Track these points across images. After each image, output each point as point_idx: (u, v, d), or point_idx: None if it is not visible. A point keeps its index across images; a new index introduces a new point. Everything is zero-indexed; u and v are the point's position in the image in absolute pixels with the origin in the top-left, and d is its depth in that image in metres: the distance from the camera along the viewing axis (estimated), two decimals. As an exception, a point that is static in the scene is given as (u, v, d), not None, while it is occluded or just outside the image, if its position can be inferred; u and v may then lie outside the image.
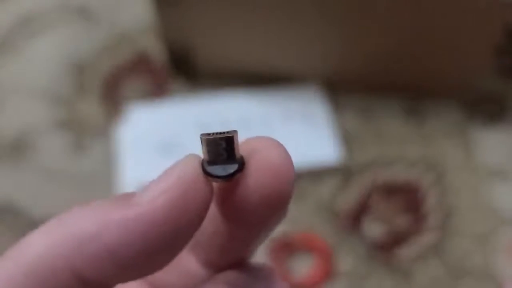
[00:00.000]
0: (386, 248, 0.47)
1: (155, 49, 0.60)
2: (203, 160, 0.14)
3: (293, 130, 0.52)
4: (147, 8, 0.50)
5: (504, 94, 0.56)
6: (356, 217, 0.49)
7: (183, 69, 0.57)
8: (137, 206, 0.13)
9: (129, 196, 0.14)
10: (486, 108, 0.56)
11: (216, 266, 0.18)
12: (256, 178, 0.14)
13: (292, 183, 0.15)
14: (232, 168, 0.14)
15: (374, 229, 0.48)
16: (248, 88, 0.56)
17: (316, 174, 0.51)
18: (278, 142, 0.15)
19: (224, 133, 0.14)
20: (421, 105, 0.56)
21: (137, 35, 0.62)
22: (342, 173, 0.51)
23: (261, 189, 0.14)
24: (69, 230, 0.13)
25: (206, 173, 0.14)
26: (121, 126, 0.53)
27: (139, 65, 0.60)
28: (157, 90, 0.57)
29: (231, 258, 0.18)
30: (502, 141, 0.53)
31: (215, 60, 0.56)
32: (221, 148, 0.14)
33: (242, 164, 0.14)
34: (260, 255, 0.46)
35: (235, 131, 0.14)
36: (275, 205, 0.14)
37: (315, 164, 0.50)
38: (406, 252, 0.47)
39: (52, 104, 0.57)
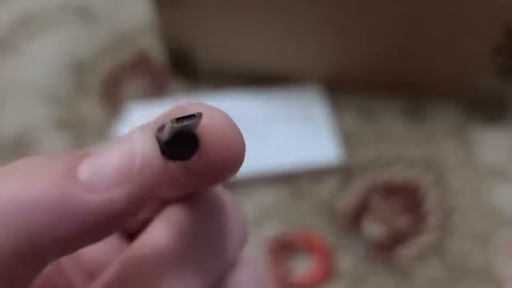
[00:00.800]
0: (386, 248, 0.48)
1: (155, 49, 0.61)
2: (158, 139, 0.14)
3: (293, 130, 0.52)
4: (147, 8, 0.51)
5: (504, 94, 0.56)
6: (356, 217, 0.49)
7: (183, 69, 0.57)
8: (92, 193, 0.12)
9: (80, 166, 0.13)
10: (485, 108, 0.56)
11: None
12: (211, 156, 0.14)
13: (243, 154, 0.15)
14: (190, 149, 0.14)
15: (374, 229, 0.48)
16: (248, 88, 0.56)
17: (316, 174, 0.51)
18: (224, 114, 0.14)
19: (193, 117, 0.14)
20: (421, 105, 0.56)
21: (137, 35, 0.62)
22: (342, 173, 0.51)
23: (215, 162, 0.14)
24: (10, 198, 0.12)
25: (167, 157, 0.14)
26: (121, 126, 0.53)
27: (139, 65, 0.60)
28: (157, 90, 0.58)
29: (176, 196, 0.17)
30: (502, 141, 0.54)
31: (215, 61, 0.56)
32: (184, 131, 0.14)
33: (197, 142, 0.14)
34: (261, 255, 0.46)
35: (201, 115, 0.14)
36: (226, 173, 0.15)
37: (315, 164, 0.51)
38: (406, 252, 0.47)
39: (52, 103, 0.57)
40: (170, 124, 0.14)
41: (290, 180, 0.50)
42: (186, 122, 0.14)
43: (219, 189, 0.17)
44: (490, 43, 0.49)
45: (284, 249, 0.46)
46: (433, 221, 0.49)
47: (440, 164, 0.52)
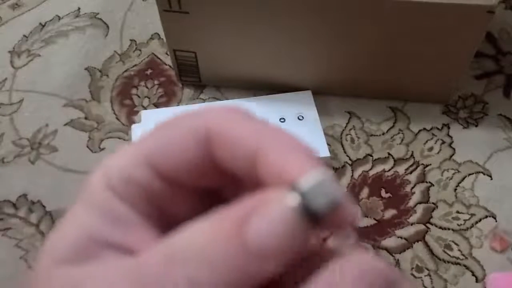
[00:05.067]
0: (373, 240, 0.50)
1: (165, 57, 0.63)
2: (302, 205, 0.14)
3: (288, 130, 0.54)
4: (157, 18, 0.53)
5: (484, 96, 0.59)
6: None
7: (189, 76, 0.59)
8: (260, 261, 0.14)
9: (248, 229, 0.14)
10: (467, 109, 0.58)
11: None
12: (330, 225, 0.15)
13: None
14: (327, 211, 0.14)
15: (362, 222, 0.51)
16: (248, 95, 0.59)
17: None
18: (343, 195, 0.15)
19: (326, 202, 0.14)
20: (406, 107, 0.58)
21: (147, 43, 0.65)
22: (333, 169, 0.54)
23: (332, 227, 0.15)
24: None
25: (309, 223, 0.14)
26: (134, 128, 0.55)
27: (150, 71, 0.62)
28: (167, 95, 0.60)
29: None
30: (482, 140, 0.56)
31: (219, 71, 0.58)
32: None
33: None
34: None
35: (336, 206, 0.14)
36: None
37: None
38: (392, 243, 0.50)
39: (69, 106, 0.59)
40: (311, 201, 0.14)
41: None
42: (324, 204, 0.14)
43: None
44: (471, 48, 0.51)
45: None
46: (417, 215, 0.51)
47: (424, 162, 0.55)
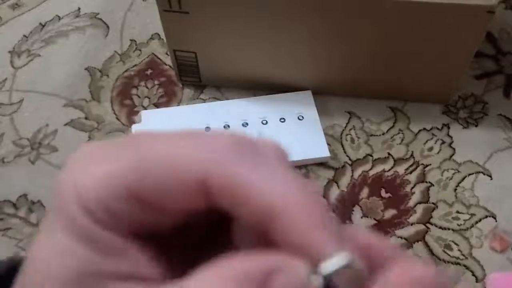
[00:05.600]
0: None
1: (165, 57, 0.63)
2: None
3: (288, 130, 0.55)
4: (157, 18, 0.53)
5: (484, 96, 0.59)
6: (345, 211, 0.52)
7: (190, 77, 0.60)
8: None
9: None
10: (467, 109, 0.58)
11: None
12: None
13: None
14: None
15: (362, 221, 0.51)
16: (248, 95, 0.59)
17: (308, 170, 0.54)
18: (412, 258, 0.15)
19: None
20: (406, 107, 0.58)
21: (148, 43, 0.65)
22: (333, 169, 0.54)
23: None
24: None
25: None
26: (135, 128, 0.55)
27: (150, 70, 0.62)
28: (167, 95, 0.60)
29: None
30: (482, 140, 0.56)
31: (220, 71, 0.58)
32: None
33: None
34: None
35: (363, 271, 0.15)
36: None
37: (307, 160, 0.54)
38: (392, 242, 0.50)
39: (69, 106, 0.59)
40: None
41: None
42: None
43: None
44: (471, 48, 0.52)
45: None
46: (418, 215, 0.51)
47: (425, 162, 0.55)
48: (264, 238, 0.15)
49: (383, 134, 0.57)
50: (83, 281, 0.14)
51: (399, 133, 0.57)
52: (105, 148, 0.16)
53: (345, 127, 0.57)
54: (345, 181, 0.54)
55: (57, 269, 0.14)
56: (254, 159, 0.15)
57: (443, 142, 0.56)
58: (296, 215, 0.15)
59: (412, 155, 0.55)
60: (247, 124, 0.55)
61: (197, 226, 0.18)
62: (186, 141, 0.16)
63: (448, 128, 0.57)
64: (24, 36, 0.66)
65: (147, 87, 0.61)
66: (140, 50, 0.64)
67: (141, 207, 0.15)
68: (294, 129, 0.55)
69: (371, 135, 0.57)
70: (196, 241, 0.18)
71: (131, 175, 0.15)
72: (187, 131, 0.16)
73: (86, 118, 0.59)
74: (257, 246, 0.16)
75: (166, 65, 0.63)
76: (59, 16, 0.68)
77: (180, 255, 0.17)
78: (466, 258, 0.49)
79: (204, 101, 0.59)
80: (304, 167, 0.54)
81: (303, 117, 0.56)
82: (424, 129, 0.57)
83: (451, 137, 0.56)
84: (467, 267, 0.49)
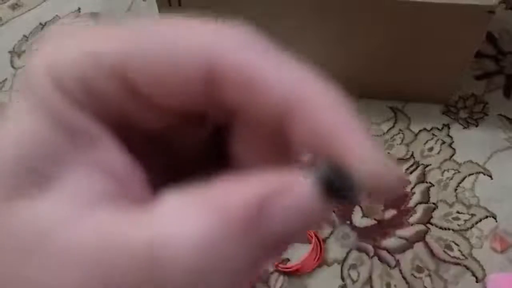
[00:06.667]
0: (374, 239, 0.50)
1: None
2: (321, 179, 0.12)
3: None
4: (156, 13, 0.53)
5: (484, 96, 0.59)
6: (346, 210, 0.52)
7: None
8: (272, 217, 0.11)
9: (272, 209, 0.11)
10: (467, 109, 0.58)
11: None
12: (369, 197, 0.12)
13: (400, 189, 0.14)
14: (355, 195, 0.12)
15: (363, 221, 0.51)
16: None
17: None
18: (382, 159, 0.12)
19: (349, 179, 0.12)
20: (406, 107, 0.58)
21: None
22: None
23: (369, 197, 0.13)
24: None
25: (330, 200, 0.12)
26: None
27: None
28: None
29: None
30: (482, 140, 0.56)
31: None
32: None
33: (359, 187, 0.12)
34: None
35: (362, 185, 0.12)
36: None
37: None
38: (392, 243, 0.50)
39: None
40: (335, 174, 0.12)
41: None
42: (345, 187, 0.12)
43: None
44: (471, 49, 0.52)
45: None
46: (418, 215, 0.51)
47: (424, 162, 0.55)
48: (271, 149, 0.13)
49: (383, 134, 0.57)
50: (46, 168, 0.12)
51: (399, 133, 0.57)
52: (88, 27, 0.14)
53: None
54: (345, 181, 0.53)
55: (12, 159, 0.12)
56: (265, 48, 0.13)
57: (443, 142, 0.56)
58: (321, 104, 0.12)
59: (412, 155, 0.55)
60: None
61: (182, 147, 0.15)
62: (187, 24, 0.13)
63: (449, 128, 0.57)
64: (24, 36, 0.66)
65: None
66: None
67: (127, 93, 0.13)
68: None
69: (371, 135, 0.56)
70: (181, 164, 0.16)
71: (118, 51, 0.12)
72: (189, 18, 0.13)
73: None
74: (260, 161, 0.14)
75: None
76: (59, 16, 0.68)
77: (162, 178, 0.14)
78: (467, 258, 0.49)
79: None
80: (304, 167, 0.54)
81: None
82: (424, 129, 0.57)
83: (451, 137, 0.56)
84: (467, 267, 0.49)
